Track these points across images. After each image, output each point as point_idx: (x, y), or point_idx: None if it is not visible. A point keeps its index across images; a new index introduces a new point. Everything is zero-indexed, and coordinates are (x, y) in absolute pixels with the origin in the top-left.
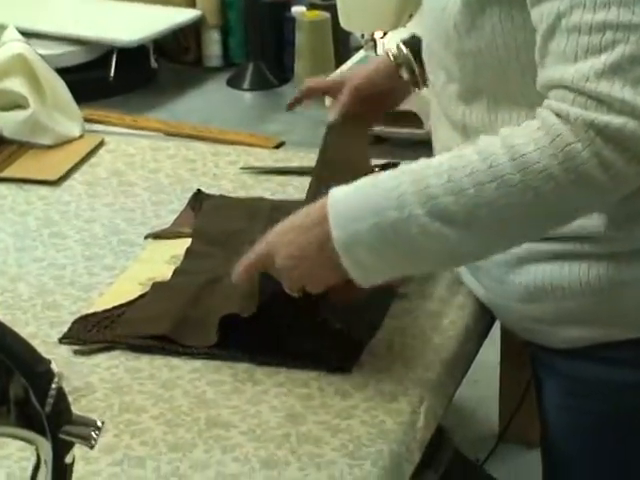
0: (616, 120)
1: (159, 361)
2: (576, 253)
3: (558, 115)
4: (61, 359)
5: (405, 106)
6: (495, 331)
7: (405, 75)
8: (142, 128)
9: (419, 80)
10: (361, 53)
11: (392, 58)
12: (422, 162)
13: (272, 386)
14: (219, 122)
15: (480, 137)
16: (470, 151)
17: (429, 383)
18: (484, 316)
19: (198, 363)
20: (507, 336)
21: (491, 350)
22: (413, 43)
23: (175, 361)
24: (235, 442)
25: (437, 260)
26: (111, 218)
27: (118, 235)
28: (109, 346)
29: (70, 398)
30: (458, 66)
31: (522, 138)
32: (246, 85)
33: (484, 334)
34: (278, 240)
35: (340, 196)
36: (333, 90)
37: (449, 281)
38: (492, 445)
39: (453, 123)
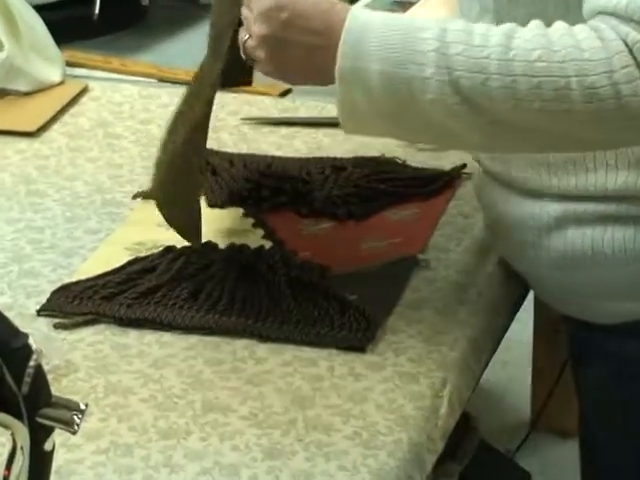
0: None
1: (149, 336)
2: (621, 215)
3: (617, 33)
4: (39, 334)
5: None
6: (528, 305)
7: None
8: (131, 73)
9: None
10: None
11: None
12: (465, 24)
13: (276, 365)
14: None
15: (535, 22)
16: (523, 34)
17: (453, 363)
18: (516, 287)
19: (193, 339)
20: (541, 311)
21: (523, 326)
22: None
23: (167, 337)
24: (234, 428)
25: (438, 135)
26: (95, 175)
27: (103, 194)
28: (93, 319)
29: (49, 377)
30: None
31: (581, 42)
32: None
33: (515, 308)
34: (270, 11)
35: (359, 23)
36: None
37: (476, 247)
38: (523, 434)
39: None
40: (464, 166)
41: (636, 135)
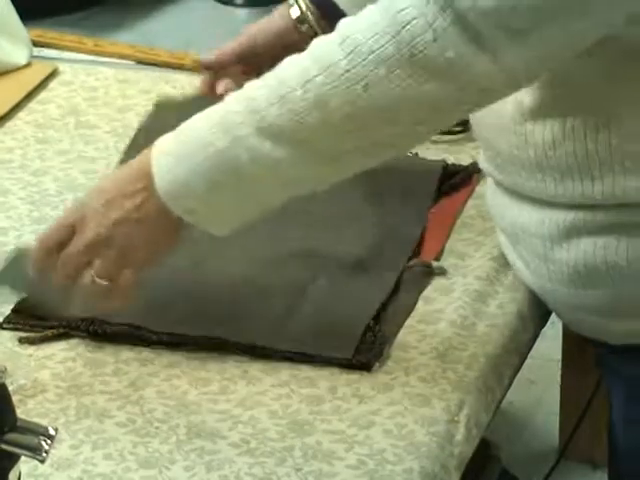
0: None
1: (127, 353)
2: (634, 223)
3: None
4: (3, 349)
5: None
6: (556, 319)
7: (308, 32)
8: (106, 54)
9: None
10: None
11: (292, 15)
12: (240, 91)
13: (271, 386)
14: (205, 46)
15: None
16: (302, 54)
17: (471, 384)
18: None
19: (177, 356)
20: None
21: (551, 343)
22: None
23: (147, 353)
24: (223, 457)
25: (281, 191)
26: (66, 170)
27: (75, 192)
28: (64, 333)
29: (14, 398)
30: None
31: (358, 20)
32: None
33: (542, 322)
34: (95, 201)
35: (163, 141)
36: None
37: (498, 253)
38: (551, 463)
39: None
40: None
41: (446, 91)
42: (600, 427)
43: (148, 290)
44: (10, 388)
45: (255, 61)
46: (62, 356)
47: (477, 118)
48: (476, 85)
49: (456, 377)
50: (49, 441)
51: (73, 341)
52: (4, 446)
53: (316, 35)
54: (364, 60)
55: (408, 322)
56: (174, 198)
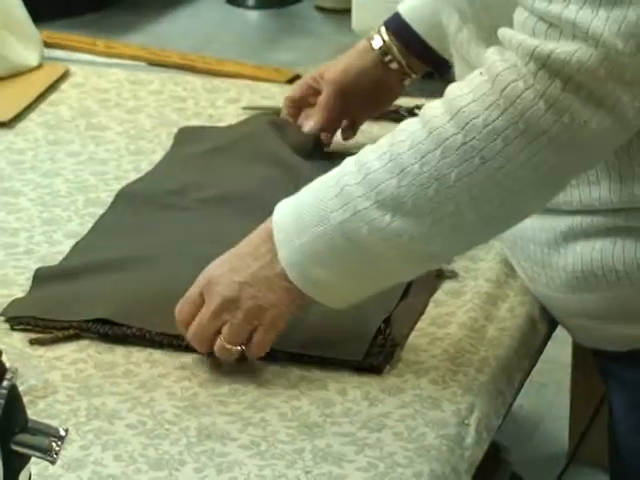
0: (563, 47)
1: (138, 354)
2: (631, 227)
3: (500, 51)
4: (14, 350)
5: None
6: None
7: (393, 64)
8: (118, 55)
9: (407, 71)
10: None
11: (374, 46)
12: (365, 147)
13: (281, 388)
14: (216, 49)
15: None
16: (412, 121)
17: (481, 387)
18: None
19: (187, 358)
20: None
21: (561, 346)
22: (396, 25)
23: (158, 355)
24: (233, 459)
25: (401, 264)
26: (77, 171)
27: (86, 193)
28: (74, 334)
29: (25, 399)
30: (467, 3)
31: (463, 88)
32: (251, 2)
33: (552, 326)
34: (218, 269)
35: (282, 208)
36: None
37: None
38: (560, 467)
39: (474, 68)
40: None
41: (565, 156)
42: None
43: (159, 294)
44: (21, 389)
45: (343, 102)
46: (73, 357)
47: None
48: (593, 141)
49: (467, 380)
50: (59, 442)
51: (84, 342)
52: (15, 447)
53: (400, 66)
54: (479, 134)
55: (419, 325)
56: (295, 268)
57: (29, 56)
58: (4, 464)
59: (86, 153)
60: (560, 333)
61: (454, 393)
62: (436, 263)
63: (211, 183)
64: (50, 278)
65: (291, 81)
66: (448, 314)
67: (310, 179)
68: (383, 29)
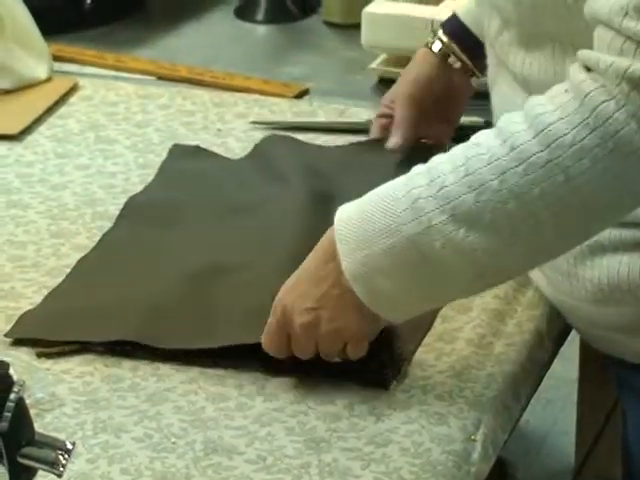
0: None
1: (145, 368)
2: None
3: (587, 67)
4: (20, 363)
5: None
6: (574, 338)
7: (456, 64)
8: (127, 69)
9: (472, 68)
10: None
11: (434, 50)
12: (435, 159)
13: (288, 403)
14: (225, 63)
15: (502, 115)
16: (488, 134)
17: (488, 403)
18: (560, 318)
19: (194, 371)
20: (588, 345)
21: (568, 362)
22: (453, 27)
23: (165, 368)
24: (240, 473)
25: (472, 279)
26: (85, 185)
27: (94, 207)
28: (81, 348)
29: (32, 412)
30: (512, 3)
31: (547, 105)
32: (260, 16)
33: (559, 341)
34: (289, 296)
35: (344, 218)
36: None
37: None
38: None
39: (512, 74)
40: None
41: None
42: (616, 447)
43: (168, 310)
44: (28, 402)
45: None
46: (79, 371)
47: (497, 116)
48: None
49: (473, 396)
50: (66, 455)
51: (90, 356)
52: (22, 460)
53: (464, 64)
54: (565, 152)
55: (426, 340)
56: (360, 280)
57: (38, 69)
58: (11, 477)
59: (94, 166)
60: (566, 349)
61: (460, 409)
62: (506, 279)
63: (213, 198)
64: (56, 296)
65: (299, 96)
66: (455, 330)
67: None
68: (440, 32)
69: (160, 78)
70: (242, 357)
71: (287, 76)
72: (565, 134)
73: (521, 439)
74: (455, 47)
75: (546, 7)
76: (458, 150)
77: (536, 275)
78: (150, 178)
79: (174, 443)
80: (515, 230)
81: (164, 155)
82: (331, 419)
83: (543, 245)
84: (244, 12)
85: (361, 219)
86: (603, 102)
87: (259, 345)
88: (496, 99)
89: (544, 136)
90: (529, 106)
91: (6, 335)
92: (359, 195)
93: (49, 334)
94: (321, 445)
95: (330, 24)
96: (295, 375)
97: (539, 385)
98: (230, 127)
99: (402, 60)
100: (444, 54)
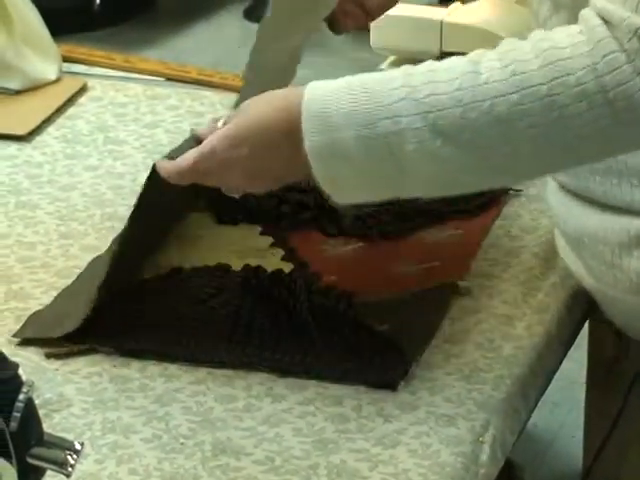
0: None
1: (153, 368)
2: None
3: (602, 17)
4: (29, 363)
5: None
6: (582, 341)
7: None
8: (136, 70)
9: None
10: None
11: None
12: (429, 64)
13: (296, 404)
14: (234, 64)
15: (504, 40)
16: (490, 56)
17: (496, 405)
18: (569, 321)
19: (202, 372)
20: (597, 348)
21: (577, 365)
22: None
23: (173, 369)
24: (248, 474)
25: (430, 185)
26: (94, 185)
27: (103, 208)
28: (90, 348)
29: (40, 413)
30: None
31: (559, 41)
32: None
33: (568, 344)
34: (230, 154)
35: (319, 94)
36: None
37: (525, 274)
38: None
39: None
40: None
41: (634, 135)
42: (625, 450)
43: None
44: (36, 402)
45: None
46: (88, 371)
47: None
48: None
49: (482, 398)
50: (75, 455)
51: (99, 356)
52: (31, 460)
53: None
54: (566, 91)
55: (434, 342)
56: (321, 161)
57: (47, 70)
58: (20, 477)
59: (103, 167)
60: (574, 352)
61: (469, 410)
62: (461, 191)
63: None
64: (68, 296)
65: None
66: (463, 331)
67: None
68: None
69: (169, 79)
70: (249, 359)
71: (296, 77)
72: (570, 73)
73: (529, 442)
74: None
75: None
76: (457, 62)
77: (576, 265)
78: None
79: (182, 444)
80: (491, 152)
81: None
82: (339, 420)
83: (512, 170)
84: (253, 13)
85: (339, 100)
86: (614, 52)
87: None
88: None
89: (550, 70)
90: (539, 37)
91: (14, 335)
92: None
93: (57, 334)
94: (329, 446)
95: None
96: (303, 376)
97: (547, 388)
98: None
99: (411, 62)
100: None
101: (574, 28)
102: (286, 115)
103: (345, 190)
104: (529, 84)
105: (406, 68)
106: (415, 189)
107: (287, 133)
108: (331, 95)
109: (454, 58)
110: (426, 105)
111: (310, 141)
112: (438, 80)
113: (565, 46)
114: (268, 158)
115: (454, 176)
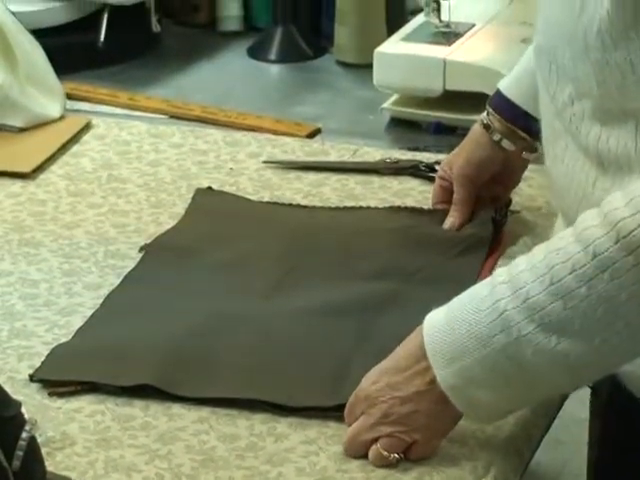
0: None
1: (156, 407)
2: None
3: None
4: (32, 401)
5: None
6: None
7: (510, 147)
8: (139, 108)
9: (531, 143)
10: (420, 19)
11: (495, 140)
12: (515, 266)
13: (299, 443)
14: (237, 102)
15: (579, 216)
16: (568, 239)
17: (499, 444)
18: None
19: (205, 411)
20: (599, 387)
21: (580, 403)
22: (503, 105)
23: (176, 408)
24: None
25: (563, 382)
26: (98, 223)
27: (106, 245)
28: (93, 387)
29: (43, 451)
30: (596, 80)
31: (626, 210)
32: (272, 56)
33: None
34: (371, 387)
35: (434, 328)
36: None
37: None
38: None
39: (583, 148)
40: (509, 204)
41: None
42: None
43: (176, 353)
44: (39, 440)
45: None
46: (91, 409)
47: (557, 191)
48: None
49: (484, 438)
50: None
51: (101, 395)
52: None
53: (524, 144)
54: None
55: None
56: (456, 392)
57: (51, 108)
58: None
59: (107, 205)
60: (578, 390)
61: (471, 450)
62: (602, 375)
63: (236, 243)
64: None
65: (311, 135)
66: None
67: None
68: (494, 112)
69: (173, 117)
70: (252, 397)
71: (299, 115)
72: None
73: None
74: (514, 129)
75: (635, 87)
76: (539, 257)
77: None
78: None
79: None
80: (606, 333)
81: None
82: (342, 460)
83: (636, 343)
84: (257, 51)
85: (450, 330)
86: None
87: (270, 384)
88: (554, 169)
89: (627, 243)
90: (607, 209)
91: (31, 375)
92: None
93: (67, 376)
94: None
95: (343, 64)
96: (305, 415)
97: (550, 426)
98: (242, 166)
99: (414, 100)
100: (495, 138)
101: (637, 187)
102: (419, 352)
103: (488, 411)
104: (613, 261)
105: (497, 277)
106: (553, 389)
107: (419, 358)
108: (443, 326)
109: (538, 249)
110: (529, 309)
111: (439, 375)
112: (527, 282)
113: (632, 213)
114: (405, 380)
115: (584, 366)
